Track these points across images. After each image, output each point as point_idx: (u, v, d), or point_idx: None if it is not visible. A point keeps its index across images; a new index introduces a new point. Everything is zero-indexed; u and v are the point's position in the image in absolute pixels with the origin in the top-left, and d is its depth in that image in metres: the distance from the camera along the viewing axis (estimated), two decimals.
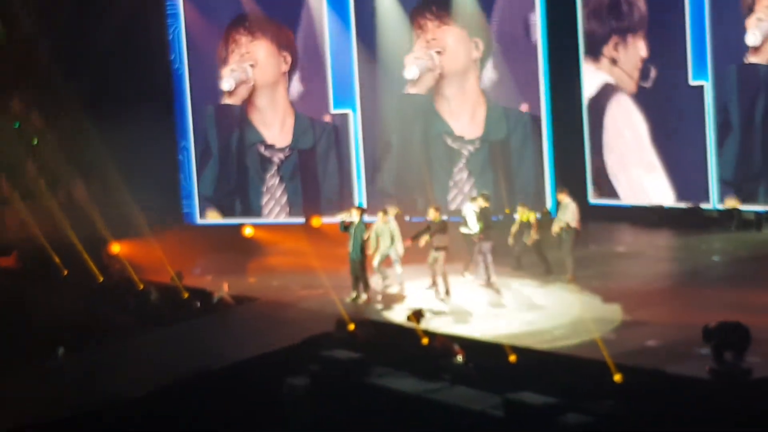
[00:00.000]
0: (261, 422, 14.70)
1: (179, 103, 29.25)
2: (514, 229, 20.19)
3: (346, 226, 18.84)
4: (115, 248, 22.88)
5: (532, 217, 20.05)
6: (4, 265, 24.03)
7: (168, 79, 29.18)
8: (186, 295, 19.78)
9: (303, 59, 28.18)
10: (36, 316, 19.64)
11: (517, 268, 20.14)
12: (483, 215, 19.37)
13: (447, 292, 18.33)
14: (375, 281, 19.26)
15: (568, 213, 18.96)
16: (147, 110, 26.68)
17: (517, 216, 20.33)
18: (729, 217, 23.90)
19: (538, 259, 19.94)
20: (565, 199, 19.22)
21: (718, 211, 24.18)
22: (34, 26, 27.39)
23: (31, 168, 27.57)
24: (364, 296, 18.63)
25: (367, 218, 19.33)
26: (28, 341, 18.03)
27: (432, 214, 18.77)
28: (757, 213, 23.41)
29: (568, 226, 18.92)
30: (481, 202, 19.67)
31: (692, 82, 24.26)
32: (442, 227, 18.62)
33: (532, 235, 19.80)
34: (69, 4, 27.52)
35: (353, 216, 18.97)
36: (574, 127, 26.42)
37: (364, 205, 24.14)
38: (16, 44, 27.54)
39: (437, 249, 18.44)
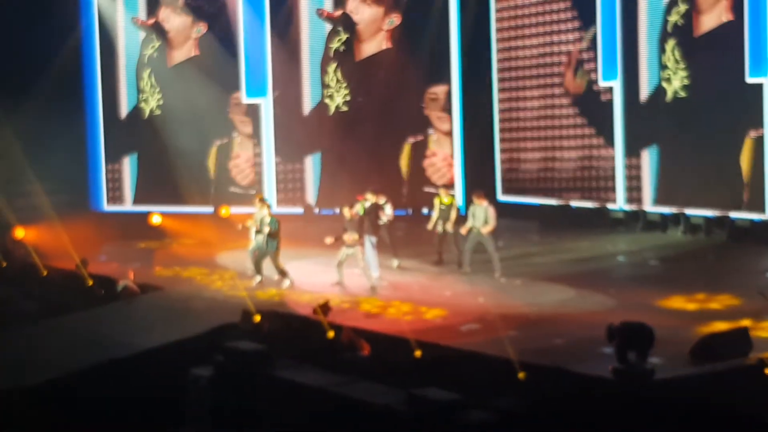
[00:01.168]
0: (163, 412, 14.55)
1: (88, 87, 28.77)
2: (435, 215, 20.34)
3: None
4: (20, 233, 22.45)
5: (454, 201, 20.41)
6: None
7: (78, 63, 28.67)
8: (90, 282, 19.49)
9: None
10: None
11: (438, 263, 20.32)
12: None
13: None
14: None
15: (491, 218, 19.14)
16: (56, 94, 26.23)
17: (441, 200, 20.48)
18: (635, 218, 24.27)
19: (453, 248, 20.15)
20: (484, 202, 19.40)
21: (624, 211, 24.53)
22: None
23: None
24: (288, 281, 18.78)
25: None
26: None
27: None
28: (662, 215, 23.78)
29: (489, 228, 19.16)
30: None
31: (601, 84, 24.61)
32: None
33: (452, 219, 20.03)
34: None
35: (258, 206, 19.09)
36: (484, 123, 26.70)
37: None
38: None
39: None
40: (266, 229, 18.77)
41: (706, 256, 21.00)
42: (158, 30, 28.41)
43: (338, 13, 27.16)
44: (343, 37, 27.31)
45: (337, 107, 27.60)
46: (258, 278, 19.17)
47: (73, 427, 14.07)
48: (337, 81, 27.53)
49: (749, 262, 20.43)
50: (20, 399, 14.13)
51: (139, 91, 28.81)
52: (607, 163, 24.65)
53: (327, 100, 27.66)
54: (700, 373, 12.35)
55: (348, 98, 27.48)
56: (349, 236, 18.53)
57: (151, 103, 28.70)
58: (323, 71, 27.67)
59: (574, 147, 25.27)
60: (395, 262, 20.51)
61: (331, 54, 27.55)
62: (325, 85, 27.65)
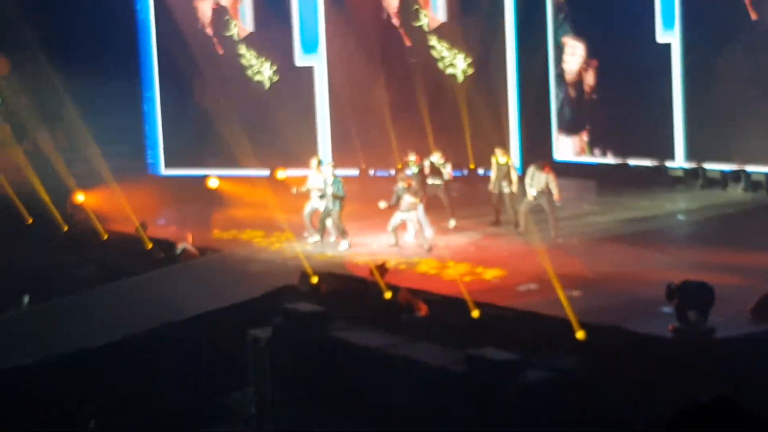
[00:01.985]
0: (225, 374, 14.71)
1: (144, 53, 28.92)
2: (493, 174, 20.25)
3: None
4: (80, 198, 22.69)
5: (510, 160, 20.32)
6: None
7: (133, 27, 28.80)
8: (149, 245, 19.68)
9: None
10: (0, 264, 19.54)
11: (495, 223, 20.29)
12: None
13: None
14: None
15: (554, 186, 19.00)
16: (112, 59, 26.39)
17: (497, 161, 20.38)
18: (694, 176, 23.95)
19: (509, 209, 20.07)
20: (548, 173, 19.23)
21: (684, 169, 24.21)
22: None
23: None
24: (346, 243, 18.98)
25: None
26: None
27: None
28: (722, 172, 23.42)
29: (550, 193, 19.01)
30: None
31: (660, 38, 24.20)
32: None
33: (512, 179, 19.93)
34: None
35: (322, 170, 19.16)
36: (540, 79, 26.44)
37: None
38: None
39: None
40: (330, 190, 18.86)
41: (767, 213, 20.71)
42: None
43: None
44: None
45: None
46: (316, 237, 19.26)
47: (134, 390, 14.26)
48: None
49: None
50: (82, 361, 14.33)
51: None
52: (666, 119, 24.29)
53: None
54: (760, 331, 12.22)
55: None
56: (404, 201, 18.51)
57: None
58: None
59: (631, 103, 24.89)
60: (452, 223, 20.49)
61: None
62: None
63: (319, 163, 19.96)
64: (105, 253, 20.09)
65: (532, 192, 19.03)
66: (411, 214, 18.59)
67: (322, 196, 19.11)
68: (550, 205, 19.13)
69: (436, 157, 20.50)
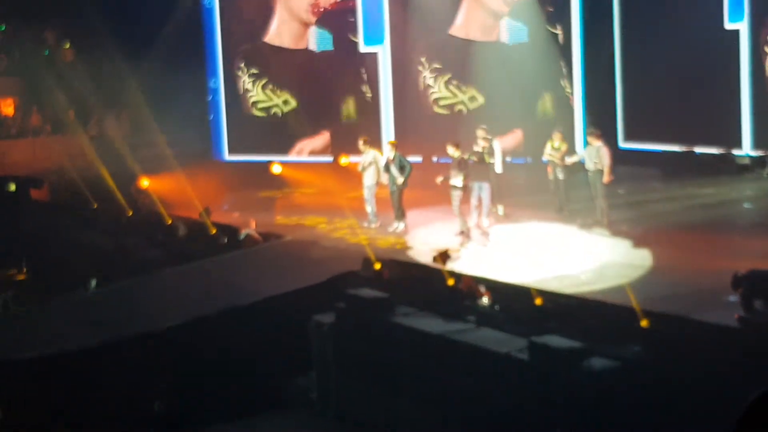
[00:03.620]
0: (287, 359, 14.78)
1: (209, 41, 29.13)
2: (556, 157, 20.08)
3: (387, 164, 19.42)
4: (144, 183, 22.92)
5: (564, 145, 20.11)
6: (36, 197, 24.13)
7: (199, 16, 29.00)
8: (213, 231, 19.84)
9: None
10: (67, 248, 19.82)
11: (560, 211, 20.15)
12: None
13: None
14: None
15: (603, 157, 18.79)
16: (178, 46, 26.60)
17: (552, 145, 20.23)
18: (761, 164, 23.61)
19: (563, 196, 19.92)
20: (596, 141, 19.05)
21: (751, 157, 23.88)
22: None
23: (62, 100, 27.56)
24: (401, 225, 19.14)
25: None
26: (60, 272, 18.20)
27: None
28: None
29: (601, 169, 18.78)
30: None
31: (728, 26, 23.87)
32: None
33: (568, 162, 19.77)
34: None
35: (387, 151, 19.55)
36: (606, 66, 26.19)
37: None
38: None
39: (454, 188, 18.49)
40: (393, 168, 19.05)
41: None
42: None
43: None
44: None
45: None
46: (401, 225, 19.39)
47: (199, 373, 14.40)
48: None
49: None
50: (147, 344, 14.49)
51: None
52: (734, 107, 23.96)
53: None
54: None
55: None
56: (455, 178, 18.46)
57: None
58: None
59: (700, 91, 24.57)
60: (500, 210, 20.25)
61: None
62: None
63: (365, 142, 20.14)
64: (169, 237, 20.27)
65: (588, 164, 18.89)
66: (459, 191, 18.43)
67: (386, 170, 19.29)
68: (600, 189, 18.83)
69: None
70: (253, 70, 29.00)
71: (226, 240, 19.38)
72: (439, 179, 18.73)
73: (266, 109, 29.03)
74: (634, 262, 16.04)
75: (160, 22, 27.33)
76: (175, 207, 21.73)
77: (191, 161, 25.43)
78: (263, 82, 28.97)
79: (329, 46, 28.17)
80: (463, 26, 26.93)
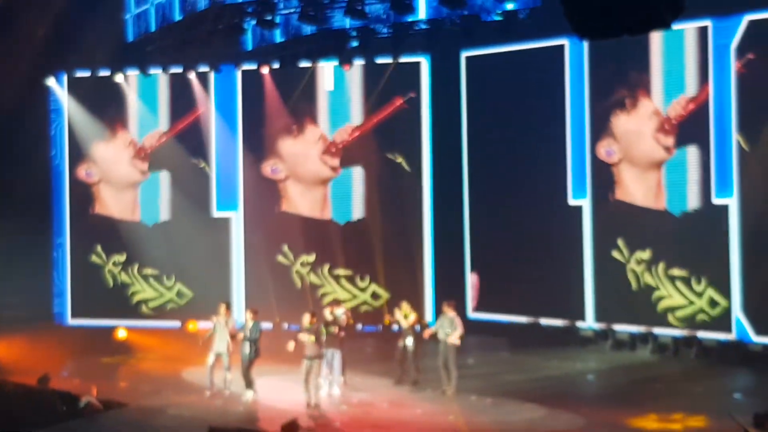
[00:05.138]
0: None
1: (57, 200, 28.67)
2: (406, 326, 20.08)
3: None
4: None
5: (412, 315, 20.11)
6: None
7: (47, 175, 28.57)
8: (52, 399, 19.09)
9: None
10: None
11: (399, 381, 20.02)
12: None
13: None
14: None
15: (457, 325, 19.01)
16: (25, 207, 26.16)
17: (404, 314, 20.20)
18: (604, 336, 24.21)
19: (412, 366, 19.89)
20: (451, 312, 19.28)
21: (594, 330, 24.45)
22: None
23: None
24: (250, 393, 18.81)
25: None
26: None
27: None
28: (631, 334, 23.75)
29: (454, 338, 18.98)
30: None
31: (571, 201, 24.73)
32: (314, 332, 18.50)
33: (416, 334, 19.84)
34: None
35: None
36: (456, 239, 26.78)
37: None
38: None
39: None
40: (249, 335, 18.84)
41: (674, 375, 20.99)
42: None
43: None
44: None
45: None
46: (250, 393, 18.95)
47: None
48: None
49: (717, 382, 20.54)
50: None
51: None
52: (576, 279, 24.65)
53: None
54: None
55: None
56: (309, 347, 18.29)
57: None
58: None
59: (544, 263, 25.22)
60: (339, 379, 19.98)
61: None
62: None
63: (227, 307, 19.81)
64: (4, 405, 19.41)
65: (441, 334, 19.08)
66: (314, 361, 18.25)
67: (244, 341, 18.94)
68: (452, 356, 18.99)
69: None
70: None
71: (64, 408, 18.66)
72: (291, 345, 18.53)
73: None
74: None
75: (8, 184, 26.74)
76: (13, 372, 20.91)
77: (33, 324, 24.66)
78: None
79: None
80: None
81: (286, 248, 27.35)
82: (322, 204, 27.37)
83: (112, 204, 28.41)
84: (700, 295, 22.67)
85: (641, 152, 23.64)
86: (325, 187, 27.35)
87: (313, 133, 27.29)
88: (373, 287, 26.78)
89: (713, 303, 22.50)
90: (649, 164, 23.54)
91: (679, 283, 22.99)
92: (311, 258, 27.22)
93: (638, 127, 23.60)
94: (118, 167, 28.29)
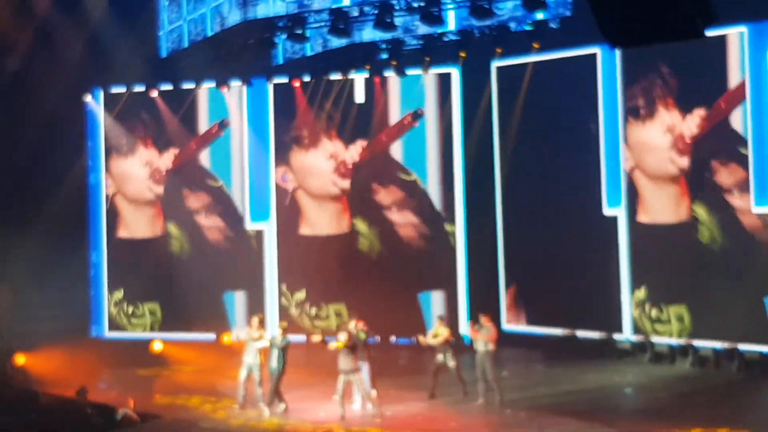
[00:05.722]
0: None
1: (93, 216, 28.83)
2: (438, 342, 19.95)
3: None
4: (20, 359, 22.26)
5: (446, 332, 19.99)
6: None
7: (83, 189, 28.74)
8: (89, 411, 19.18)
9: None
10: None
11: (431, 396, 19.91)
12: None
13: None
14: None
15: (491, 334, 19.06)
16: (60, 219, 26.31)
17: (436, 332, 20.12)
18: (642, 349, 23.97)
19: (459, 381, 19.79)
20: (488, 323, 19.26)
21: (631, 342, 24.23)
22: None
23: None
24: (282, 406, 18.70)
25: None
26: None
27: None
28: (670, 346, 23.48)
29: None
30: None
31: (606, 211, 24.57)
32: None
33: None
34: None
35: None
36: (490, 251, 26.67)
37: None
38: None
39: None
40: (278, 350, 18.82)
41: (716, 389, 20.70)
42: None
43: None
44: None
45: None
46: (282, 406, 18.94)
47: None
48: None
49: (763, 396, 20.29)
50: None
51: None
52: (615, 291, 24.45)
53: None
54: None
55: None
56: (344, 361, 18.25)
57: None
58: None
59: (579, 274, 25.05)
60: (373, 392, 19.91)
61: None
62: None
63: (261, 321, 19.75)
64: (43, 417, 19.52)
65: (477, 345, 19.11)
66: (350, 376, 18.23)
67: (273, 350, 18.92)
68: (490, 367, 19.05)
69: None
70: None
71: (102, 420, 18.74)
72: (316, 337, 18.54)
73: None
74: None
75: (45, 196, 26.96)
76: (52, 385, 21.05)
77: (71, 337, 24.79)
78: None
79: None
80: None
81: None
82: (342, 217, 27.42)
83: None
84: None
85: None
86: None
87: (333, 146, 27.43)
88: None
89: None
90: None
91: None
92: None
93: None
94: (134, 183, 28.57)
